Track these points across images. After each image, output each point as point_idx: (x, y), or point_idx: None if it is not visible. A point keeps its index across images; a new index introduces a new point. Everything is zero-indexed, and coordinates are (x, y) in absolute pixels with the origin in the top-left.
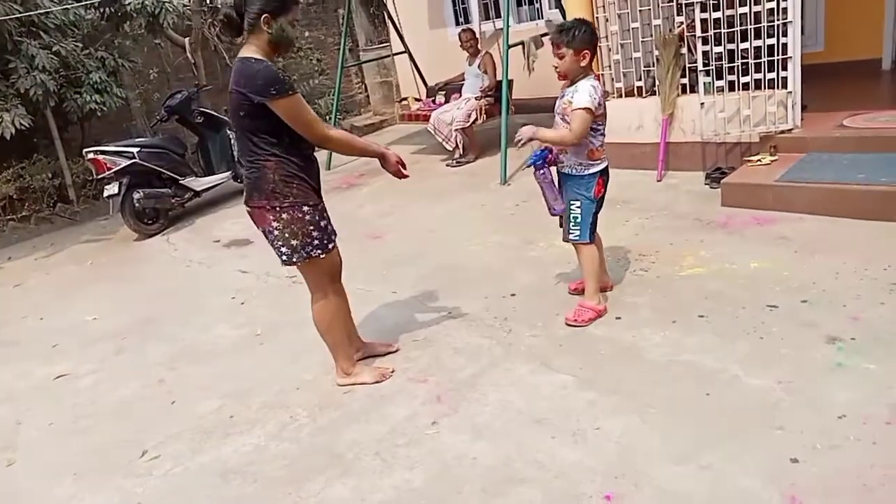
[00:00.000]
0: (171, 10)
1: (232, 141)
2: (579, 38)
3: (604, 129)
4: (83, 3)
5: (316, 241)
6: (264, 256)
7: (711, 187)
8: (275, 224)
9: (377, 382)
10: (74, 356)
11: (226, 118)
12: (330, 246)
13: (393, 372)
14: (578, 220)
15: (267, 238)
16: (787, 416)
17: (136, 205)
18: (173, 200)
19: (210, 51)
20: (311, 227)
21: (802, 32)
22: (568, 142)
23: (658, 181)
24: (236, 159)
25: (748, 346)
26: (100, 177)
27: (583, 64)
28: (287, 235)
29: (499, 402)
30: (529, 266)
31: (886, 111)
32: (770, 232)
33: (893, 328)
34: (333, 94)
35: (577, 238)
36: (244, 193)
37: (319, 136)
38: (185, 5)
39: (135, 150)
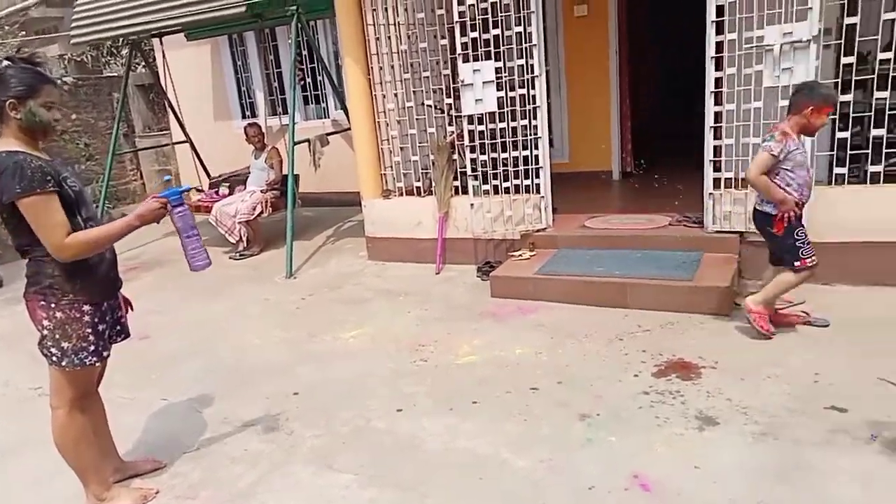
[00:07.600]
0: None
1: None
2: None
3: (793, 178)
4: None
5: (92, 347)
6: (5, 362)
7: (482, 280)
8: (46, 322)
9: None
10: None
11: None
12: (105, 354)
13: (158, 492)
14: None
15: (39, 336)
16: (548, 493)
17: None
18: None
19: None
20: (89, 331)
21: (552, 146)
22: (750, 179)
23: (437, 274)
24: None
25: (515, 428)
26: None
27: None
28: (58, 336)
29: None
30: (313, 361)
31: (616, 214)
32: (531, 320)
33: (628, 403)
34: (102, 182)
35: (807, 256)
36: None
37: (54, 246)
38: None
39: None
